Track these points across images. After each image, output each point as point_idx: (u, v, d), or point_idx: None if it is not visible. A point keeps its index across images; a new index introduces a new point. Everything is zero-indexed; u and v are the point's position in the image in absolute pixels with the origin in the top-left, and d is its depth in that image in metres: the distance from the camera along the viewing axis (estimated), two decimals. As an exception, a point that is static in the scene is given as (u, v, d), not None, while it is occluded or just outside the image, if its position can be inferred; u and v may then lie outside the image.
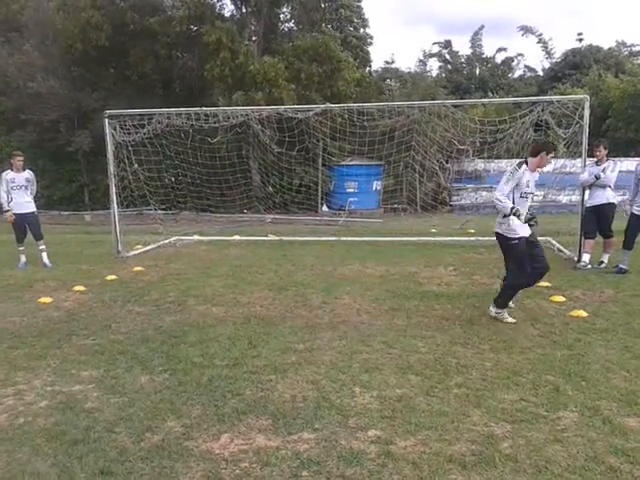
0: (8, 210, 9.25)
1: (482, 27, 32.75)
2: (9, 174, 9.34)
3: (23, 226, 9.40)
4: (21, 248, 9.47)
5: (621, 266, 8.03)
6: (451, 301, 6.69)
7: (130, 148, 11.28)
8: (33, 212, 9.53)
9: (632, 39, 46.38)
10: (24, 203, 9.36)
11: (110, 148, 10.59)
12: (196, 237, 12.69)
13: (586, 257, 8.61)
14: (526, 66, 33.25)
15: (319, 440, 3.46)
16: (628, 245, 8.07)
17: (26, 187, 9.41)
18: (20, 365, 4.86)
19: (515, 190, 5.80)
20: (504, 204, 5.64)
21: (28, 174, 9.51)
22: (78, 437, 3.56)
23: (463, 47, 39.24)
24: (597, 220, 8.59)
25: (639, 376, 4.32)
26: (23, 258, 9.47)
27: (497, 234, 5.92)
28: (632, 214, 8.07)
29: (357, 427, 3.61)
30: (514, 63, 32.82)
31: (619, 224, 8.60)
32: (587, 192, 8.93)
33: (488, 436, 3.45)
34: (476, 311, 6.22)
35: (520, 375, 4.39)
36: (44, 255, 9.47)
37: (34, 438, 3.57)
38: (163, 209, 15.19)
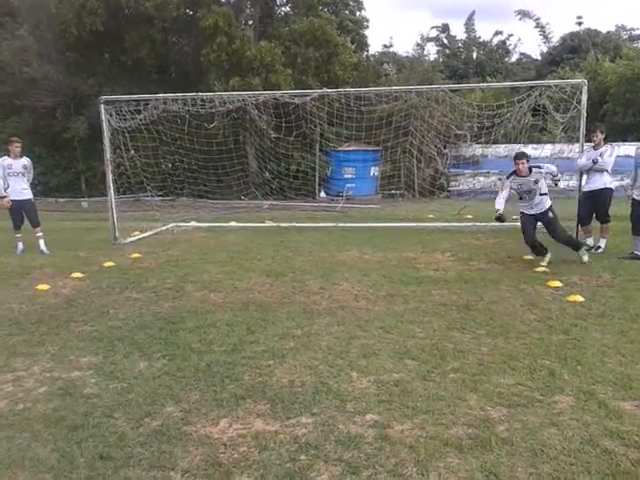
0: (5, 196, 9.21)
1: (474, 12, 32.62)
2: (6, 160, 9.28)
3: (20, 213, 9.38)
4: (18, 235, 9.46)
5: (636, 252, 7.98)
6: (448, 286, 6.71)
7: (127, 134, 11.23)
8: (30, 199, 9.51)
9: (632, 23, 46.00)
10: (21, 190, 9.33)
11: (106, 134, 10.54)
12: (193, 223, 12.68)
13: (589, 241, 8.64)
14: (522, 53, 33.07)
15: (317, 424, 3.49)
16: (637, 231, 8.02)
17: (23, 174, 9.38)
18: (19, 352, 4.87)
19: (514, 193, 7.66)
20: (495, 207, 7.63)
21: (26, 161, 9.47)
22: (77, 423, 3.58)
23: (460, 31, 38.95)
24: (594, 205, 8.59)
25: (634, 360, 4.36)
26: (20, 245, 9.46)
27: None
28: (633, 200, 8.00)
29: (355, 411, 3.64)
30: (510, 46, 32.61)
31: (616, 209, 8.62)
32: (584, 177, 8.93)
33: (484, 420, 3.48)
34: (473, 296, 6.24)
35: (516, 360, 4.42)
36: (41, 242, 9.45)
37: (34, 424, 3.59)
38: (160, 195, 15.14)
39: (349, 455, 3.14)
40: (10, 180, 9.24)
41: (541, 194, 7.61)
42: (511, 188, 7.65)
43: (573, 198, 9.34)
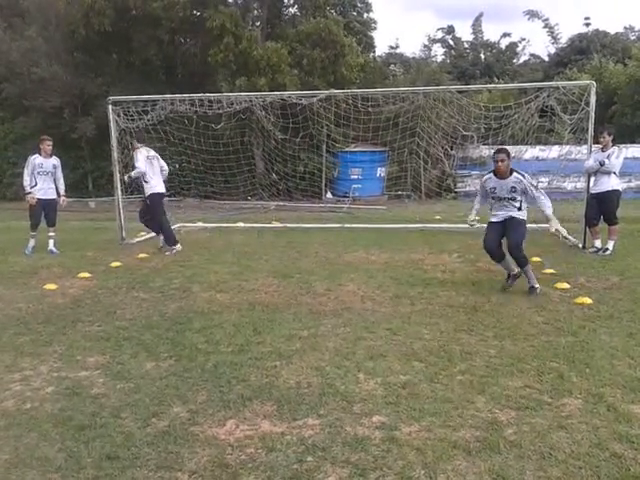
0: (30, 193, 9.23)
1: (481, 14, 32.48)
2: (37, 159, 9.32)
3: (41, 212, 9.38)
4: (33, 233, 9.46)
5: None
6: (455, 288, 6.68)
7: (134, 135, 11.24)
8: (55, 199, 9.54)
9: (640, 24, 45.80)
10: (48, 189, 9.39)
11: (114, 135, 10.58)
12: (200, 224, 12.69)
13: (597, 243, 8.60)
14: (532, 54, 32.91)
15: (324, 426, 3.48)
16: None
17: (52, 173, 9.43)
18: (26, 351, 4.89)
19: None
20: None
21: (55, 160, 9.53)
22: (85, 422, 3.59)
23: (465, 33, 38.96)
24: (601, 207, 8.56)
25: (644, 363, 4.32)
26: (32, 242, 9.42)
27: None
28: None
29: (362, 413, 3.63)
30: (519, 48, 32.48)
31: (624, 211, 8.58)
32: (592, 179, 8.89)
33: (492, 422, 3.46)
34: (480, 298, 6.22)
35: (524, 362, 4.39)
36: (51, 242, 9.47)
37: (41, 423, 3.60)
38: (167, 196, 15.13)
39: (356, 457, 3.13)
40: (39, 179, 9.28)
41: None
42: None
43: (581, 200, 9.30)
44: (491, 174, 6.38)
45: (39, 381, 4.26)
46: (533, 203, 6.33)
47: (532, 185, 6.24)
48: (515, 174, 6.24)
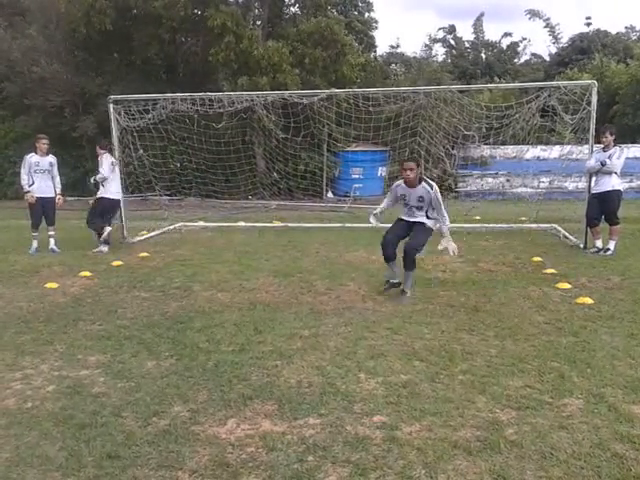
0: (28, 191, 9.25)
1: (482, 14, 32.49)
2: (34, 157, 9.34)
3: (41, 211, 9.40)
4: (35, 234, 9.46)
5: None
6: (456, 288, 6.69)
7: (135, 134, 11.25)
8: (53, 197, 9.54)
9: (641, 23, 45.65)
10: (45, 187, 9.39)
11: (115, 134, 10.58)
12: (201, 223, 12.69)
13: (598, 243, 8.59)
14: (533, 53, 32.90)
15: (325, 425, 3.48)
16: None
17: (49, 171, 9.44)
18: (27, 350, 4.89)
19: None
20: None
21: (52, 158, 9.54)
22: (85, 421, 3.59)
23: (466, 32, 38.95)
24: (602, 207, 8.55)
25: (645, 363, 4.32)
26: (35, 244, 9.43)
27: None
28: None
29: (362, 413, 3.63)
30: (520, 48, 32.47)
31: (624, 211, 8.57)
32: (593, 179, 8.89)
33: (493, 422, 3.46)
34: (481, 298, 6.22)
35: (525, 362, 4.39)
36: (52, 241, 9.49)
37: (42, 422, 3.60)
38: (168, 195, 15.18)
39: (357, 456, 3.13)
40: (36, 177, 9.29)
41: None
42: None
43: (582, 200, 9.30)
44: (402, 181, 6.33)
45: (40, 380, 4.27)
46: (434, 215, 6.32)
47: (438, 199, 6.20)
48: (424, 183, 6.22)
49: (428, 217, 6.32)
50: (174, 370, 4.39)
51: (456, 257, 8.41)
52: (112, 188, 9.76)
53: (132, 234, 10.68)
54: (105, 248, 9.39)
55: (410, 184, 6.21)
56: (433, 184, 6.24)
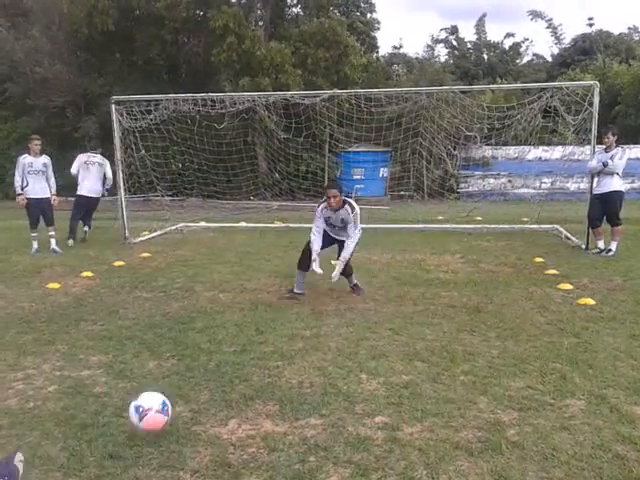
0: (21, 194, 9.25)
1: (485, 14, 32.59)
2: (27, 158, 9.29)
3: (38, 212, 9.38)
4: (34, 234, 9.45)
5: None
6: (458, 288, 6.68)
7: (137, 134, 11.27)
8: (48, 197, 9.49)
9: (644, 24, 45.54)
10: (40, 189, 9.33)
11: (117, 134, 10.60)
12: (203, 223, 12.70)
13: (600, 243, 8.58)
14: (535, 54, 32.93)
15: (326, 426, 3.47)
16: None
17: (43, 172, 9.37)
18: (29, 350, 4.89)
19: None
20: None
21: (45, 159, 9.46)
22: (87, 421, 3.59)
23: (468, 33, 38.96)
24: (604, 208, 8.54)
25: (647, 364, 4.31)
26: (35, 244, 9.42)
27: None
28: None
29: (364, 413, 3.63)
30: (522, 49, 32.48)
31: (626, 212, 8.56)
32: (595, 180, 8.88)
33: (495, 423, 3.46)
34: (483, 299, 6.21)
35: (527, 363, 4.39)
36: (53, 241, 9.47)
37: (44, 422, 3.60)
38: (170, 195, 15.21)
39: (358, 457, 3.13)
40: (30, 178, 9.25)
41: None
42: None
43: (584, 201, 9.29)
44: (326, 204, 6.30)
45: (42, 380, 4.27)
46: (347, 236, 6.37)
47: (355, 222, 6.28)
48: (346, 206, 6.27)
49: (351, 237, 6.37)
50: (175, 370, 4.39)
51: (457, 258, 8.46)
52: (84, 185, 10.29)
53: (134, 234, 10.70)
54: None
55: (334, 208, 6.25)
56: (355, 207, 6.32)
